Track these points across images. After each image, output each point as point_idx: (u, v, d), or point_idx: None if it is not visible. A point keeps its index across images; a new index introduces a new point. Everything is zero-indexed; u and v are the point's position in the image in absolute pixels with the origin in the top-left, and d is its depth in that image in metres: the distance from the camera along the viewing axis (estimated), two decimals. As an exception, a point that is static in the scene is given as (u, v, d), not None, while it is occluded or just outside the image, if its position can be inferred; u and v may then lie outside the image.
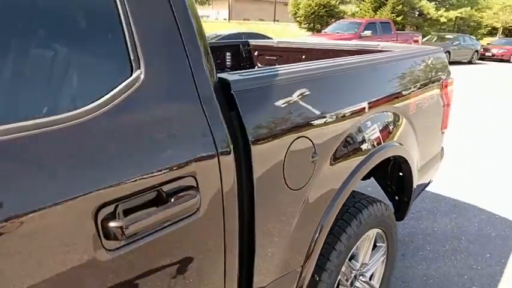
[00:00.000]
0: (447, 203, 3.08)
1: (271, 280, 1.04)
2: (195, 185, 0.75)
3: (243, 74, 0.93)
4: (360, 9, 21.45)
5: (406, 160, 1.57)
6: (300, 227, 1.07)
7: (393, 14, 19.59)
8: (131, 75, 0.70)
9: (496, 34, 25.90)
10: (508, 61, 17.04)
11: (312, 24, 21.41)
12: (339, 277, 1.39)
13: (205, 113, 0.78)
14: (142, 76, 0.71)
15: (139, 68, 0.71)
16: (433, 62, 1.82)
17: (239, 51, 2.89)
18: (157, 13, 0.75)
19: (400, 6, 19.95)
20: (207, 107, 0.79)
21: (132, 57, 0.70)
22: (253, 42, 2.96)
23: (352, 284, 1.54)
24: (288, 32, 20.99)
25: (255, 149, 0.87)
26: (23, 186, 0.56)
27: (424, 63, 1.75)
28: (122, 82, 0.68)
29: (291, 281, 1.12)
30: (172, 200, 0.70)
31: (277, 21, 25.25)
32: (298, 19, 21.90)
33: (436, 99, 1.81)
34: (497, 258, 2.35)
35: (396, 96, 1.46)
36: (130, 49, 0.70)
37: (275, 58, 2.82)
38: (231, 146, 0.82)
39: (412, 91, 1.57)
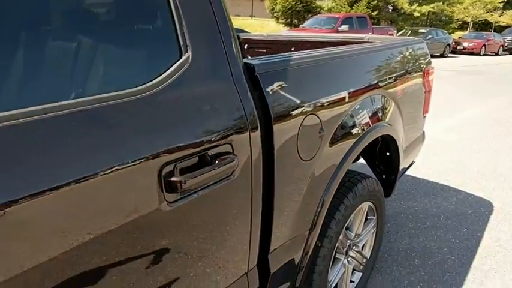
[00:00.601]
0: (426, 185, 3.30)
1: (284, 241, 1.18)
2: (232, 151, 0.88)
3: (262, 59, 1.07)
4: (336, 4, 21.85)
5: (395, 139, 1.74)
6: (308, 195, 1.22)
7: (368, 9, 20.08)
8: (181, 57, 0.83)
9: (466, 28, 26.87)
10: (478, 54, 17.76)
11: (289, 20, 21.63)
12: (337, 244, 1.55)
13: (238, 90, 0.92)
14: (190, 58, 0.84)
15: (187, 52, 0.84)
16: (417, 51, 2.00)
17: None
18: (200, 4, 0.88)
19: (375, 1, 20.48)
20: (239, 85, 0.93)
21: (181, 43, 0.84)
22: (243, 35, 3.05)
23: (346, 252, 1.71)
24: (266, 27, 21.15)
25: (275, 124, 1.01)
26: (105, 147, 0.68)
27: (409, 52, 1.93)
28: (175, 63, 0.82)
29: (299, 244, 1.27)
30: (217, 161, 0.83)
31: (254, 16, 25.33)
32: (275, 14, 22.07)
33: (419, 86, 2.00)
34: (473, 232, 2.57)
35: (388, 81, 1.62)
36: (180, 36, 0.84)
37: (265, 51, 2.93)
38: (258, 120, 0.95)
39: (400, 77, 1.75)
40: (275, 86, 1.03)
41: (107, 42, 0.80)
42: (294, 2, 20.95)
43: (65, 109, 0.64)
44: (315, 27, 13.49)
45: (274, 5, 21.75)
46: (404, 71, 1.83)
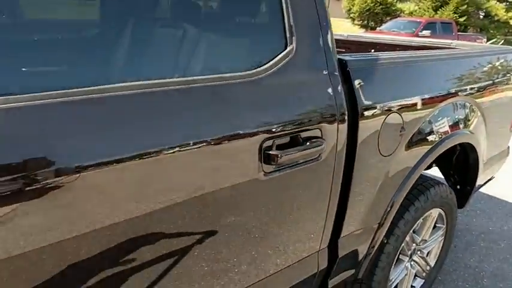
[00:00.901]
0: (504, 206, 3.07)
1: (354, 229, 1.26)
2: (321, 136, 0.99)
3: (353, 56, 1.16)
4: (419, 8, 20.66)
5: (475, 148, 1.70)
6: (382, 190, 1.28)
7: (456, 15, 18.68)
8: (286, 48, 0.96)
9: None
10: None
11: (365, 21, 20.98)
12: (402, 245, 1.57)
13: (331, 83, 1.02)
14: (293, 50, 0.97)
15: (291, 44, 0.97)
16: (511, 62, 1.91)
17: None
18: (306, 4, 1.00)
19: (465, 6, 18.97)
20: (333, 78, 1.03)
21: (288, 36, 0.97)
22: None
23: (411, 256, 1.71)
24: (340, 28, 20.75)
25: (361, 117, 1.09)
26: (222, 118, 0.83)
27: (501, 62, 1.86)
28: (280, 53, 0.95)
29: (367, 236, 1.33)
30: (308, 143, 0.94)
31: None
32: (351, 15, 21.55)
33: (510, 98, 1.91)
34: (556, 261, 2.37)
35: (474, 89, 1.60)
36: (287, 29, 0.97)
37: (344, 50, 2.97)
38: (346, 112, 1.04)
39: (487, 86, 1.70)
40: (364, 81, 1.10)
41: (227, 33, 0.97)
42: (372, 4, 20.26)
43: (196, 83, 0.80)
44: (394, 31, 12.97)
45: (352, 5, 21.23)
46: (491, 81, 1.77)
